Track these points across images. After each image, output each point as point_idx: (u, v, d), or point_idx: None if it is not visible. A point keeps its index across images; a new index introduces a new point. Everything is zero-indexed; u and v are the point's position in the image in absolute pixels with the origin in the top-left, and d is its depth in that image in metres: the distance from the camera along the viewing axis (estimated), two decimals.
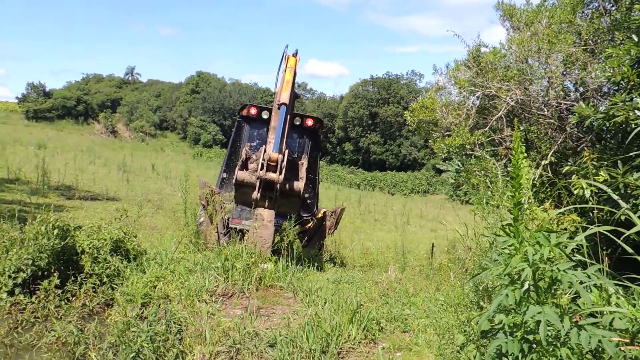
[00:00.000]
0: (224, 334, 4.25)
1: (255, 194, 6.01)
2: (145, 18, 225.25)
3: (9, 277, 4.87)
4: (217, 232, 8.09)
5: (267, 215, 7.20)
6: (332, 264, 8.85)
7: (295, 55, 7.42)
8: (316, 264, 7.67)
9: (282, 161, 5.99)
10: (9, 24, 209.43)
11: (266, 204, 6.25)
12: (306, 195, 9.59)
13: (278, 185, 5.98)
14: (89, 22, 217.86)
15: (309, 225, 9.35)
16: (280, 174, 5.93)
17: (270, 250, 6.96)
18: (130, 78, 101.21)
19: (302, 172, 6.74)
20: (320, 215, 9.57)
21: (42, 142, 39.44)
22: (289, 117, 7.03)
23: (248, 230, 7.18)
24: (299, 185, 6.28)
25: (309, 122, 9.80)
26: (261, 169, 5.92)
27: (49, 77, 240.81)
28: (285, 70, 7.10)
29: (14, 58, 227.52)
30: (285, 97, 6.62)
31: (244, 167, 6.34)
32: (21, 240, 5.20)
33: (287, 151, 6.43)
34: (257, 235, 6.85)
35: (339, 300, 5.08)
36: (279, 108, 6.62)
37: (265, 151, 6.06)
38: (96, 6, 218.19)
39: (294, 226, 7.54)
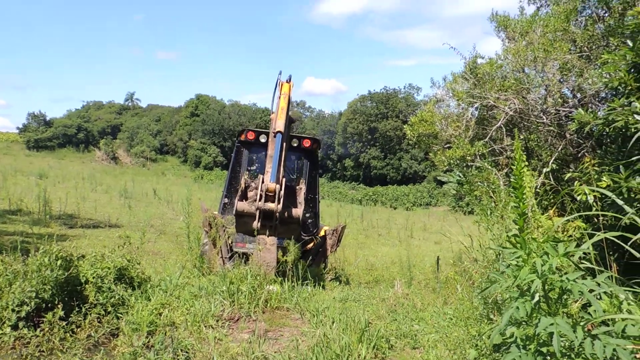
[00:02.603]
0: (232, 359, 4.18)
1: (256, 224, 6.16)
2: (142, 43, 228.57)
3: (12, 310, 4.81)
4: (222, 256, 8.11)
5: (269, 239, 7.28)
6: (338, 282, 8.77)
7: (288, 81, 7.56)
8: (322, 283, 7.61)
9: (280, 190, 6.11)
10: (9, 55, 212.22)
11: (267, 232, 6.36)
12: (307, 215, 9.72)
13: (277, 214, 6.08)
14: (87, 49, 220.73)
15: (311, 244, 9.32)
16: (278, 203, 6.04)
17: (275, 272, 6.98)
18: (130, 104, 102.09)
19: (301, 197, 6.89)
20: (322, 233, 9.60)
21: (44, 171, 39.56)
22: (285, 143, 7.15)
23: (252, 254, 7.26)
24: (298, 212, 6.43)
25: (306, 143, 9.95)
26: (260, 199, 6.06)
27: (50, 105, 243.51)
28: (279, 97, 7.22)
29: (14, 88, 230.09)
30: (280, 125, 6.73)
31: (244, 196, 6.47)
32: (24, 273, 5.15)
33: (284, 179, 6.55)
34: (261, 259, 6.94)
35: (346, 320, 5.01)
36: (275, 136, 6.74)
37: (263, 181, 6.18)
38: (92, 33, 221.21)
39: (296, 246, 7.56)
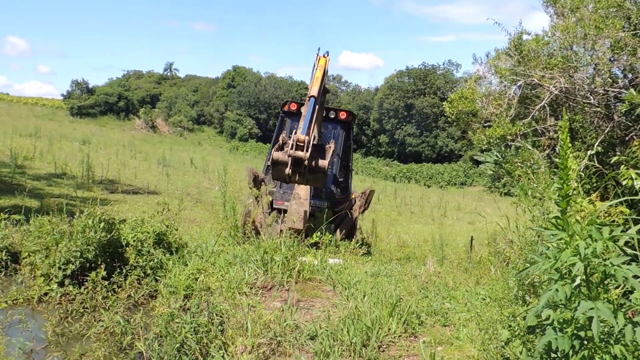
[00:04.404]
0: (265, 326, 4.29)
1: (288, 170, 6.89)
2: (179, 14, 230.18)
3: (59, 268, 5.08)
4: (263, 211, 9.04)
5: (303, 194, 8.49)
6: (369, 257, 8.83)
7: (325, 56, 8.54)
8: (354, 258, 7.69)
9: (309, 142, 6.89)
10: (52, 23, 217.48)
11: (297, 178, 7.10)
12: (340, 180, 10.95)
13: (306, 162, 6.82)
14: (127, 19, 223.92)
15: (341, 207, 10.08)
16: (307, 152, 6.80)
17: (303, 222, 7.96)
18: (168, 74, 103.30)
19: (329, 154, 7.54)
20: (353, 197, 10.48)
21: (86, 137, 40.83)
22: (323, 111, 8.07)
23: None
24: (324, 163, 7.13)
25: (342, 115, 10.96)
26: (291, 148, 6.83)
27: (91, 73, 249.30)
28: (316, 69, 8.20)
29: (58, 56, 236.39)
30: (314, 91, 7.72)
31: (280, 149, 7.22)
32: (70, 233, 5.40)
33: (314, 135, 7.44)
34: (292, 209, 8.10)
35: (378, 294, 5.05)
36: (308, 100, 7.68)
37: (295, 133, 7.05)
38: (131, 3, 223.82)
39: (327, 209, 8.86)
